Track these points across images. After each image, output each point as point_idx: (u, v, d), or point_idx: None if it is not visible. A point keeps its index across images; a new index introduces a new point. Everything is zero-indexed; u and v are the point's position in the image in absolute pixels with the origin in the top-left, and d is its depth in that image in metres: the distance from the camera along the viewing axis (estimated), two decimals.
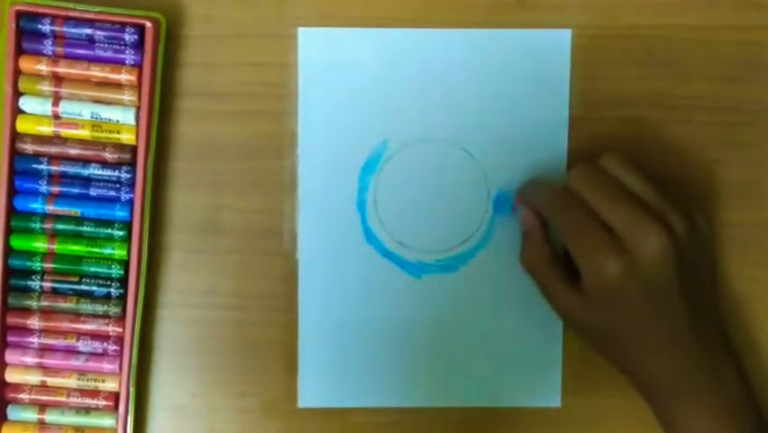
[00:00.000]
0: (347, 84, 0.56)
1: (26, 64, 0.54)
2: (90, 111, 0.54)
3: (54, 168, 0.55)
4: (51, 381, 0.55)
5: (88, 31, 0.54)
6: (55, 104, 0.54)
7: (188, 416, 0.57)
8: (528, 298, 0.57)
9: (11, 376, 0.55)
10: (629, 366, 0.54)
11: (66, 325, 0.55)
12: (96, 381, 0.55)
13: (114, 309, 0.55)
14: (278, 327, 0.57)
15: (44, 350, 0.56)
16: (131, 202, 0.55)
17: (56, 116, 0.55)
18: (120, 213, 0.55)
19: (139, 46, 0.54)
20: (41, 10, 0.54)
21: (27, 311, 0.55)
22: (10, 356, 0.55)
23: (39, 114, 0.55)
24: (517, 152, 0.57)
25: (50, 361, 0.55)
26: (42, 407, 0.56)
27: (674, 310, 0.51)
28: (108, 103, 0.55)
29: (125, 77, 0.54)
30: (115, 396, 0.56)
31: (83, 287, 0.55)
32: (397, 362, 0.57)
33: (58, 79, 0.54)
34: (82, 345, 0.55)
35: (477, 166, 0.57)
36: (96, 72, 0.54)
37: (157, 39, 0.54)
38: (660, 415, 0.53)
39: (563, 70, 0.57)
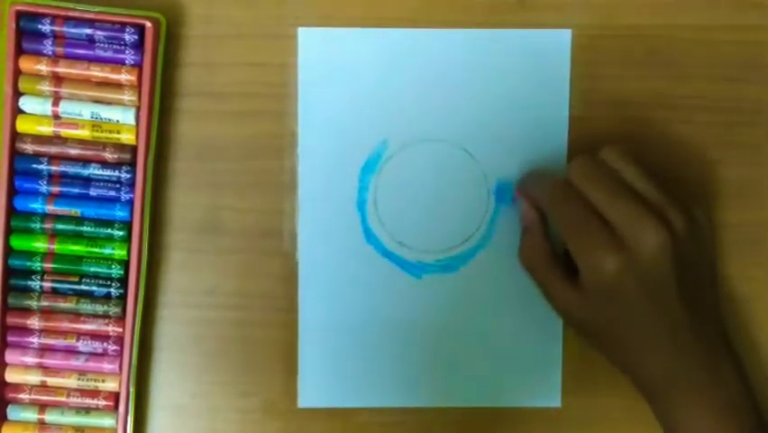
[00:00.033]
0: (347, 84, 0.56)
1: (26, 64, 0.54)
2: (90, 111, 0.54)
3: (54, 168, 0.55)
4: (51, 381, 0.55)
5: (88, 31, 0.54)
6: (55, 104, 0.54)
7: (188, 416, 0.57)
8: (528, 298, 0.57)
9: (11, 376, 0.55)
10: (628, 364, 0.54)
11: (66, 325, 0.55)
12: (96, 381, 0.55)
13: (114, 309, 0.55)
14: (278, 327, 0.57)
15: (44, 350, 0.56)
16: (131, 202, 0.55)
17: (56, 116, 0.55)
18: (120, 213, 0.55)
19: (139, 46, 0.54)
20: (41, 10, 0.54)
21: (27, 311, 0.55)
22: (10, 356, 0.55)
23: (39, 114, 0.55)
24: (517, 151, 0.57)
25: (50, 361, 0.55)
26: (42, 407, 0.56)
27: (673, 307, 0.51)
28: (108, 103, 0.55)
29: (125, 77, 0.54)
30: (115, 396, 0.56)
31: (83, 287, 0.55)
32: (397, 362, 0.57)
33: (58, 79, 0.54)
34: (82, 345, 0.55)
35: (477, 166, 0.57)
36: (96, 72, 0.54)
37: (157, 39, 0.54)
38: (659, 415, 0.53)
39: (563, 70, 0.57)
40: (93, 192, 0.55)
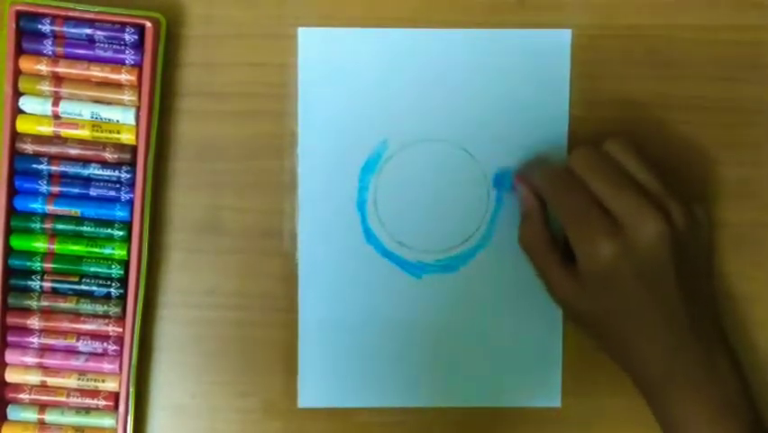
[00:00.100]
0: (347, 84, 0.56)
1: (26, 64, 0.54)
2: (90, 111, 0.54)
3: (54, 168, 0.55)
4: (51, 381, 0.55)
5: (88, 31, 0.54)
6: (55, 104, 0.54)
7: (188, 416, 0.57)
8: (528, 298, 0.57)
9: (11, 376, 0.55)
10: (625, 356, 0.53)
11: (66, 325, 0.55)
12: (96, 381, 0.55)
13: (114, 309, 0.55)
14: (278, 327, 0.57)
15: (44, 350, 0.56)
16: (131, 202, 0.55)
17: (56, 116, 0.55)
18: (120, 213, 0.55)
19: (139, 46, 0.54)
20: (41, 10, 0.54)
21: (27, 311, 0.55)
22: (10, 356, 0.55)
23: (39, 114, 0.55)
24: (517, 151, 0.57)
25: (50, 361, 0.55)
26: (42, 407, 0.56)
27: (669, 296, 0.51)
28: (108, 103, 0.55)
29: (125, 77, 0.54)
30: (115, 396, 0.56)
31: (83, 287, 0.55)
32: (397, 362, 0.57)
33: (58, 79, 0.54)
34: (82, 345, 0.55)
35: (477, 166, 0.57)
36: (96, 72, 0.54)
37: (157, 39, 0.54)
38: (657, 412, 0.53)
39: (563, 70, 0.57)
40: (93, 192, 0.55)
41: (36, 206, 0.55)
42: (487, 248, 0.57)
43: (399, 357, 0.57)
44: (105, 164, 0.55)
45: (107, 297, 0.55)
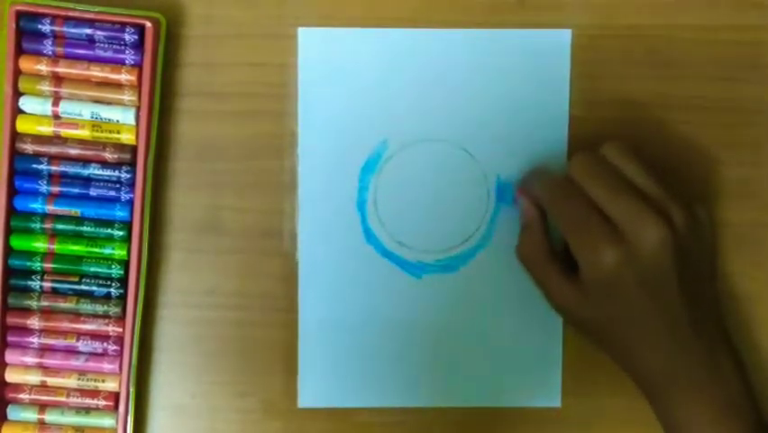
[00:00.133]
0: (347, 84, 0.56)
1: (26, 64, 0.54)
2: (90, 111, 0.54)
3: (54, 168, 0.55)
4: (51, 381, 0.55)
5: (88, 31, 0.54)
6: (55, 104, 0.54)
7: (188, 416, 0.57)
8: (528, 298, 0.57)
9: (11, 376, 0.55)
10: (629, 362, 0.54)
11: (66, 325, 0.55)
12: (96, 381, 0.55)
13: (114, 309, 0.55)
14: (278, 327, 0.57)
15: (44, 350, 0.56)
16: (131, 202, 0.55)
17: (56, 116, 0.55)
18: (120, 213, 0.55)
19: (139, 46, 0.54)
20: (41, 10, 0.54)
21: (27, 311, 0.55)
22: (10, 356, 0.55)
23: (39, 114, 0.55)
24: (517, 151, 0.57)
25: (50, 361, 0.55)
26: (42, 407, 0.56)
27: (672, 303, 0.51)
28: (108, 103, 0.55)
29: (125, 77, 0.54)
30: (115, 396, 0.56)
31: (83, 287, 0.55)
32: (397, 362, 0.57)
33: (58, 79, 0.54)
34: (82, 345, 0.55)
35: (477, 166, 0.57)
36: (96, 72, 0.54)
37: (157, 39, 0.54)
38: (660, 413, 0.53)
39: (563, 70, 0.57)
40: (93, 192, 0.55)
41: (36, 206, 0.55)
42: (487, 248, 0.57)
43: (399, 357, 0.57)
44: (105, 164, 0.55)
45: (107, 297, 0.55)
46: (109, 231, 0.55)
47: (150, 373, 0.57)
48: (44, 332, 0.55)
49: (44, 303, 0.55)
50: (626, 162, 0.52)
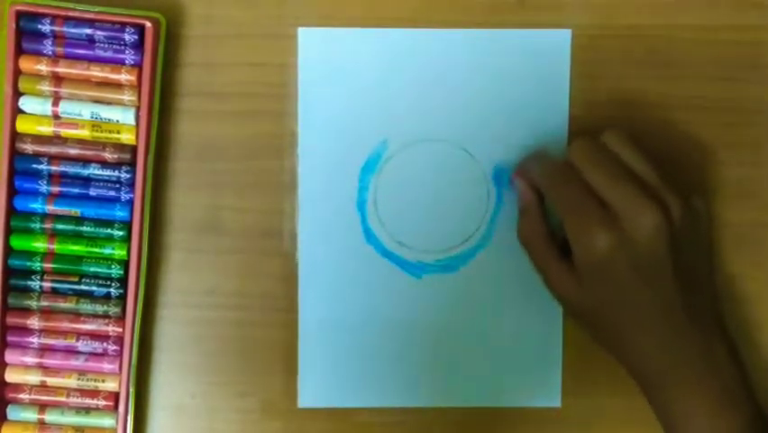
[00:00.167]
0: (347, 84, 0.56)
1: (26, 64, 0.54)
2: (90, 111, 0.54)
3: (54, 168, 0.55)
4: (51, 381, 0.55)
5: (88, 31, 0.54)
6: (55, 104, 0.54)
7: (188, 416, 0.57)
8: (528, 298, 0.57)
9: (11, 376, 0.55)
10: (622, 351, 0.53)
11: (66, 325, 0.55)
12: (96, 381, 0.55)
13: (114, 309, 0.55)
14: (278, 327, 0.57)
15: (44, 350, 0.56)
16: (131, 202, 0.55)
17: (56, 116, 0.55)
18: (120, 213, 0.55)
19: (139, 46, 0.54)
20: (41, 10, 0.54)
21: (27, 311, 0.55)
22: (10, 356, 0.55)
23: (39, 114, 0.55)
24: (517, 151, 0.57)
25: (49, 361, 0.55)
26: (42, 407, 0.56)
27: (666, 288, 0.51)
28: (108, 103, 0.55)
29: (125, 77, 0.54)
30: (115, 396, 0.56)
31: (83, 287, 0.55)
32: (397, 362, 0.57)
33: (58, 79, 0.54)
34: (82, 345, 0.55)
35: (477, 166, 0.57)
36: (96, 72, 0.54)
37: (157, 39, 0.54)
38: (655, 406, 0.53)
39: (563, 70, 0.57)
40: (93, 192, 0.55)
41: (36, 206, 0.55)
42: (487, 248, 0.57)
43: (399, 357, 0.57)
44: (104, 164, 0.55)
45: (107, 297, 0.55)
46: (109, 231, 0.55)
47: (150, 372, 0.57)
48: (44, 332, 0.55)
49: (44, 303, 0.55)
50: (626, 150, 0.52)
